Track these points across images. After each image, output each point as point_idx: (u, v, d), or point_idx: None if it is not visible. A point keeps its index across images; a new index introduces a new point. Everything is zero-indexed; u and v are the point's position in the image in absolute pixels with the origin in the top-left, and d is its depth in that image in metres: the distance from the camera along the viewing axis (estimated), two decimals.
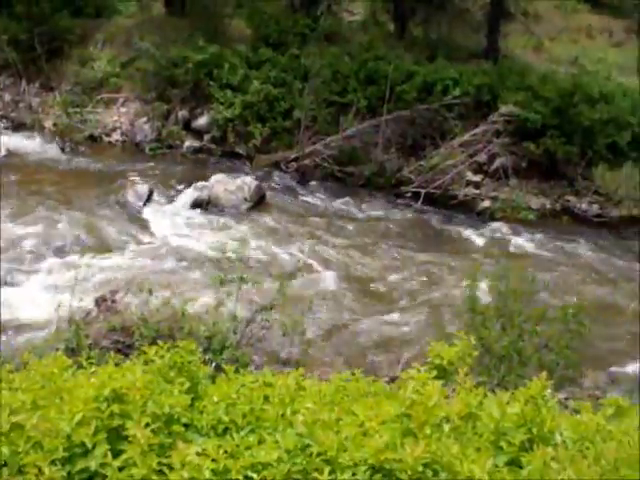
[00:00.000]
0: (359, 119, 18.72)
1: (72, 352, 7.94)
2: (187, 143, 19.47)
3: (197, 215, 16.19)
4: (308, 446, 3.08)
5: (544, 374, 3.86)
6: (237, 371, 3.90)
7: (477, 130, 18.36)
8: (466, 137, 18.31)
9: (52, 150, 18.91)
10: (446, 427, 3.22)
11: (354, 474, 2.94)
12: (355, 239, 15.88)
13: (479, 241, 16.64)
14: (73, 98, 20.08)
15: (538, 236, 17.11)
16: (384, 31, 22.59)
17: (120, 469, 2.92)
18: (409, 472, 2.89)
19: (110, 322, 9.20)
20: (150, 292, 9.44)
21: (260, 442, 3.15)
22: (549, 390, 3.85)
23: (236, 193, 16.59)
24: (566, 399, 10.03)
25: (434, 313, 13.03)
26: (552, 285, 14.56)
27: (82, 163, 18.44)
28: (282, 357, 10.68)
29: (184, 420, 3.25)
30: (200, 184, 16.93)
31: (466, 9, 23.08)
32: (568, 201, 18.51)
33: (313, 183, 18.34)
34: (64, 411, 3.10)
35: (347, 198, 17.79)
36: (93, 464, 2.93)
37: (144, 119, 19.78)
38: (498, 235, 17.04)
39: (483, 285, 9.79)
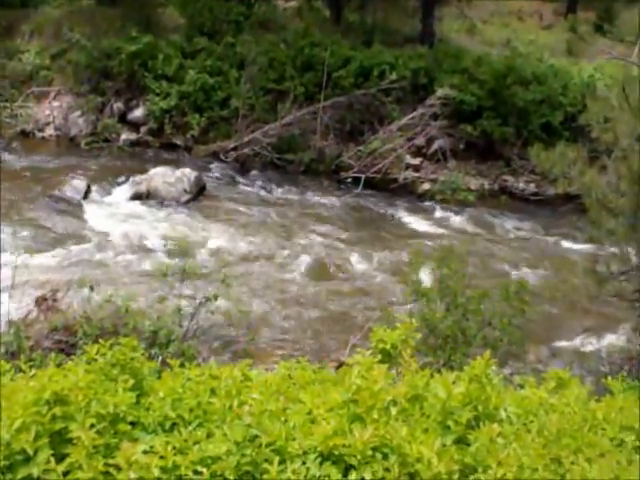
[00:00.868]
0: (297, 106, 18.68)
1: (12, 356, 7.73)
2: (124, 136, 19.11)
3: (137, 208, 15.93)
4: (257, 437, 3.07)
5: (488, 352, 3.92)
6: (183, 365, 3.85)
7: (415, 114, 18.53)
8: (404, 121, 18.46)
9: None
10: (393, 410, 3.25)
11: (304, 462, 2.95)
12: (297, 226, 15.87)
13: (420, 223, 16.84)
14: (1, 92, 19.46)
15: (478, 216, 17.41)
16: (320, 17, 22.56)
17: (65, 474, 2.85)
18: (358, 457, 2.91)
19: (52, 322, 8.98)
20: (92, 289, 9.27)
21: (208, 436, 3.13)
22: (494, 367, 3.91)
23: (175, 185, 16.39)
24: (511, 374, 10.25)
25: (379, 296, 13.14)
26: (493, 264, 14.90)
27: (15, 160, 17.91)
28: (229, 348, 10.64)
29: (130, 418, 3.20)
30: (139, 177, 16.67)
31: None
32: (506, 181, 18.87)
33: (253, 172, 18.26)
34: (2, 418, 3.01)
35: (287, 186, 17.78)
36: (35, 471, 2.85)
37: (78, 113, 19.32)
38: (439, 217, 17.28)
39: (426, 267, 9.89)
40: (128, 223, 15.24)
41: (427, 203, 17.83)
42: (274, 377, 3.77)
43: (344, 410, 3.18)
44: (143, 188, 16.29)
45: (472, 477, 3.00)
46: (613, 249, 9.85)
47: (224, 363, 4.29)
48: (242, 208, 16.46)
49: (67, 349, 8.31)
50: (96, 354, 3.58)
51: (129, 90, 19.59)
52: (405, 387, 3.48)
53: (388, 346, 3.95)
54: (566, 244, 16.09)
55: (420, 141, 18.61)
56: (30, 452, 2.89)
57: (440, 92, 18.47)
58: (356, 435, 2.94)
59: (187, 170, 16.86)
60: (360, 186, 17.61)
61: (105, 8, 21.55)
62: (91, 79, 19.42)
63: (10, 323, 8.71)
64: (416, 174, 18.50)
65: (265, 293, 12.89)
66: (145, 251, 13.92)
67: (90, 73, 19.39)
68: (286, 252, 14.57)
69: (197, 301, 9.58)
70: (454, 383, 3.60)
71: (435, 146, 18.77)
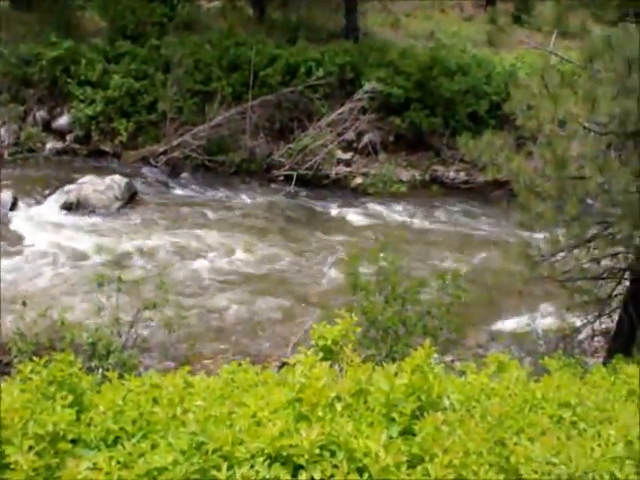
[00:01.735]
0: (225, 107, 18.53)
1: None
2: (49, 145, 18.59)
3: (67, 218, 15.55)
4: (203, 444, 3.04)
5: (428, 341, 3.97)
6: (122, 376, 3.77)
7: (343, 109, 18.61)
8: (333, 116, 18.53)
9: None
10: (338, 406, 3.26)
11: (252, 466, 2.93)
12: (231, 227, 15.77)
13: (355, 217, 16.95)
14: None
15: (411, 207, 17.63)
16: (243, 16, 22.40)
17: None
18: (306, 456, 2.91)
19: None
20: (24, 304, 9.01)
21: (153, 447, 3.08)
22: (435, 355, 3.97)
23: (106, 192, 16.07)
24: (452, 361, 10.45)
25: (319, 293, 13.18)
26: (430, 253, 15.12)
27: None
28: (170, 354, 10.51)
29: (71, 436, 3.12)
30: (68, 187, 16.26)
31: None
32: (436, 171, 19.16)
33: (184, 175, 18.04)
34: None
35: (220, 187, 17.63)
36: None
37: None
38: (372, 210, 17.42)
39: (363, 260, 9.96)
40: (59, 234, 14.86)
41: (360, 197, 17.95)
42: (217, 382, 3.74)
43: (289, 410, 3.18)
44: (73, 197, 15.91)
45: (420, 467, 3.04)
46: (543, 232, 10.10)
47: (166, 370, 4.23)
48: (175, 212, 16.26)
49: (1, 368, 8.06)
50: (31, 372, 3.47)
51: (52, 97, 19.06)
52: (348, 382, 3.49)
53: (329, 342, 3.95)
54: (498, 229, 16.44)
55: (350, 136, 18.71)
56: None
57: (367, 86, 18.61)
58: (303, 434, 2.94)
59: (117, 177, 16.55)
60: (292, 184, 17.61)
61: (21, 12, 20.86)
62: (10, 87, 18.81)
63: None
64: (348, 169, 18.61)
65: (204, 296, 12.78)
66: (78, 262, 13.60)
67: (9, 81, 18.77)
68: (222, 254, 14.47)
69: (135, 309, 9.42)
70: (396, 375, 3.63)
71: (365, 140, 18.90)
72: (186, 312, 11.56)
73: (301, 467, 2.93)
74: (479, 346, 11.92)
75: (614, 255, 9.87)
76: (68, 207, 15.77)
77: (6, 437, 2.95)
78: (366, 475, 2.94)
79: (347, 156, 18.86)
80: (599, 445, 3.60)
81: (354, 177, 18.50)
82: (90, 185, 16.18)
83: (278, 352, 11.29)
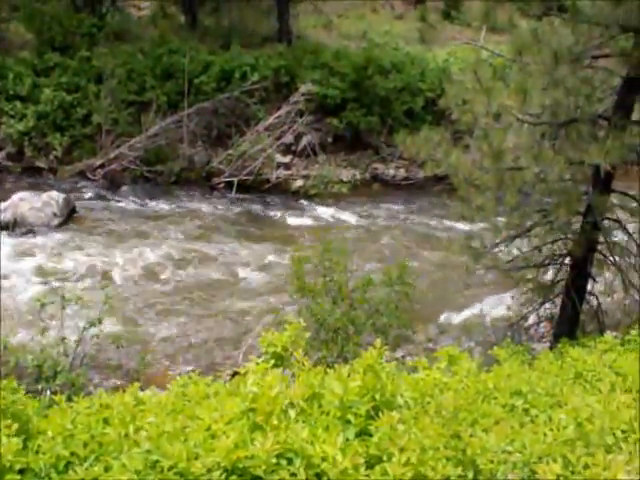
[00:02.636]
0: (161, 116, 18.29)
1: None
2: None
3: (3, 239, 15.10)
4: (157, 462, 2.97)
5: (378, 341, 3.98)
6: (70, 398, 3.67)
7: (280, 112, 18.59)
8: (270, 120, 18.49)
9: None
10: (292, 413, 3.24)
11: None
12: (174, 237, 15.57)
13: (298, 220, 16.94)
14: None
15: (353, 207, 17.72)
16: (175, 23, 22.13)
17: None
18: (263, 466, 2.88)
19: None
20: None
21: (107, 469, 3.00)
22: (387, 352, 3.97)
23: (43, 210, 15.67)
24: (403, 357, 10.53)
25: (266, 298, 13.12)
26: (375, 251, 15.21)
27: None
28: (120, 370, 10.32)
29: (18, 466, 3.00)
30: (2, 205, 15.79)
31: None
32: (376, 169, 19.31)
33: (124, 188, 17.73)
34: None
35: (160, 198, 17.39)
36: None
37: None
38: (315, 211, 17.44)
39: (308, 263, 9.95)
40: None
41: (302, 200, 17.96)
42: (168, 397, 3.67)
43: (243, 421, 3.14)
44: (9, 216, 15.45)
45: (378, 467, 3.04)
46: (484, 224, 10.27)
47: (117, 387, 4.13)
48: (116, 225, 15.97)
49: None
50: None
51: None
52: (301, 388, 3.47)
53: (279, 349, 3.92)
54: (441, 223, 16.65)
55: (288, 139, 18.70)
56: None
57: (303, 88, 18.64)
58: (258, 445, 2.90)
59: (54, 193, 16.15)
60: (234, 190, 17.51)
61: None
62: None
63: None
64: (288, 172, 18.60)
65: (151, 309, 12.59)
66: (18, 282, 13.22)
67: None
68: (166, 265, 14.27)
69: (81, 327, 9.20)
70: (349, 376, 3.63)
71: (304, 142, 18.92)
72: (134, 326, 11.38)
73: (259, 478, 2.90)
74: (429, 340, 12.04)
75: (554, 242, 10.09)
76: (4, 227, 15.31)
77: None
78: None
79: (286, 159, 18.85)
80: (551, 430, 3.67)
81: (295, 180, 18.50)
82: (26, 202, 15.74)
83: (229, 361, 11.21)
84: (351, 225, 16.74)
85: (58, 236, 15.22)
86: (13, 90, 18.13)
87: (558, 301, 10.26)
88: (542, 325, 11.59)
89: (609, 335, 7.36)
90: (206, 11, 22.77)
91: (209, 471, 2.89)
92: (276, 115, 18.53)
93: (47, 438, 3.19)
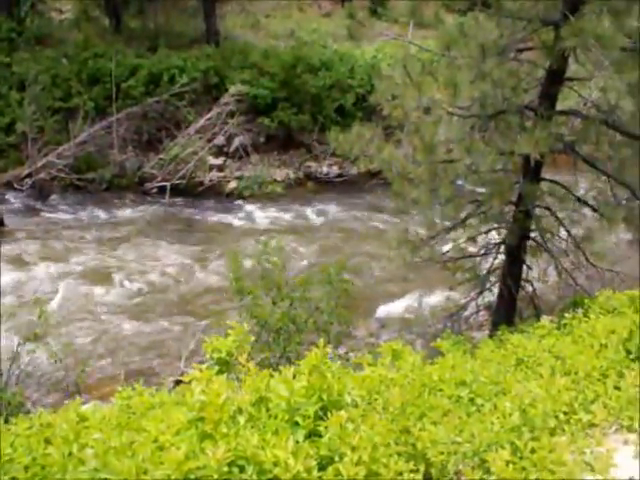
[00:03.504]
0: (89, 122, 17.90)
1: None
2: None
3: None
4: None
5: (322, 341, 3.96)
6: (8, 420, 3.53)
7: (211, 114, 18.45)
8: (201, 123, 18.33)
9: None
10: (241, 419, 3.19)
11: None
12: (109, 245, 15.25)
13: (233, 222, 16.83)
14: None
15: (288, 206, 17.71)
16: (99, 27, 21.65)
17: None
18: (215, 476, 2.82)
19: None
20: None
21: None
22: (329, 349, 3.95)
23: None
24: (346, 353, 10.55)
25: (204, 302, 12.98)
26: (313, 249, 15.23)
27: None
28: (60, 386, 10.03)
29: None
30: None
31: None
32: (309, 167, 19.35)
33: (53, 197, 17.27)
34: None
35: (92, 206, 17.02)
36: None
37: None
38: (250, 213, 17.37)
39: (247, 264, 9.87)
40: None
41: (237, 201, 17.86)
42: (112, 411, 3.57)
43: (192, 430, 3.07)
44: None
45: (330, 468, 3.02)
46: (420, 217, 10.37)
47: (57, 404, 3.99)
48: (46, 236, 15.53)
49: None
50: None
51: None
52: (248, 392, 3.42)
53: (224, 354, 3.87)
54: (377, 218, 16.78)
55: (220, 141, 18.58)
56: None
57: (233, 89, 18.54)
58: (209, 454, 2.85)
59: None
60: (167, 195, 17.27)
61: None
62: None
63: None
64: (221, 174, 18.47)
65: (87, 321, 12.29)
66: None
67: None
68: (101, 275, 13.96)
69: (15, 344, 8.90)
70: (295, 378, 3.60)
71: (236, 143, 18.82)
72: (71, 339, 11.09)
73: None
74: (370, 335, 12.12)
75: (488, 231, 10.27)
76: None
77: None
78: None
79: (219, 161, 18.72)
80: (497, 418, 3.73)
81: (228, 182, 18.39)
82: None
83: (171, 368, 11.04)
84: (287, 224, 16.72)
85: None
86: None
87: (495, 289, 10.43)
88: (480, 314, 11.77)
89: (545, 320, 7.53)
90: (131, 13, 22.38)
91: None
92: (207, 117, 18.37)
93: None
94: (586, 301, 7.11)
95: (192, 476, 2.81)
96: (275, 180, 18.58)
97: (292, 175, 19.05)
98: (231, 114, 18.54)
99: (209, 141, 18.30)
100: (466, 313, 11.45)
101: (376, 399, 3.76)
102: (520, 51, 8.66)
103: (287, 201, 17.92)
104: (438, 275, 12.56)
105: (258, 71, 19.23)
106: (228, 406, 3.15)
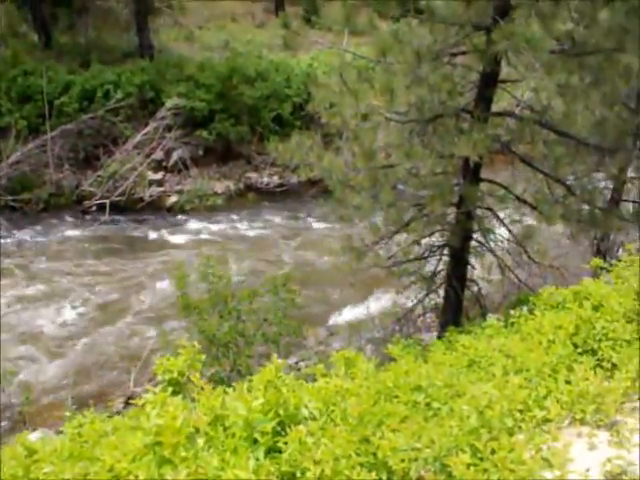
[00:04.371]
0: (22, 142, 17.43)
1: None
2: None
3: None
4: None
5: (275, 355, 3.92)
6: None
7: (148, 129, 18.20)
8: (139, 138, 18.07)
9: None
10: (200, 441, 3.12)
11: None
12: (47, 267, 14.86)
13: (176, 237, 16.60)
14: None
15: (231, 218, 17.59)
16: (28, 43, 21.11)
17: None
18: None
19: None
20: None
21: None
22: (279, 360, 3.90)
23: None
24: (296, 363, 10.52)
25: (150, 319, 12.77)
26: (257, 261, 15.14)
27: None
28: (4, 415, 9.71)
29: None
30: None
31: (110, 9, 22.49)
32: (250, 178, 19.25)
33: None
34: None
35: (29, 227, 16.56)
36: None
37: None
38: (193, 227, 17.17)
39: (192, 279, 9.74)
40: None
41: (178, 216, 17.65)
42: (63, 441, 3.44)
43: (149, 456, 2.98)
44: None
45: None
46: (363, 223, 10.41)
47: (2, 435, 3.83)
48: None
49: None
50: None
51: None
52: (203, 412, 3.35)
53: (175, 375, 3.78)
54: (320, 226, 16.80)
55: (159, 155, 18.35)
56: None
57: (169, 103, 18.35)
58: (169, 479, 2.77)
59: None
60: (107, 212, 16.95)
61: None
62: None
63: None
64: (161, 189, 18.22)
65: (29, 345, 11.95)
66: None
67: None
68: (42, 296, 13.60)
69: None
70: (250, 392, 3.55)
71: (175, 157, 18.61)
72: (14, 365, 10.76)
73: None
74: (320, 343, 12.11)
75: (432, 234, 10.38)
76: None
77: None
78: None
79: (158, 176, 18.47)
80: (455, 421, 3.74)
81: (169, 196, 18.16)
82: None
83: (120, 389, 10.82)
84: (230, 236, 16.61)
85: None
86: None
87: (441, 291, 10.54)
88: (428, 315, 11.90)
89: (492, 318, 7.63)
90: (60, 29, 21.90)
91: None
92: (144, 132, 18.12)
93: None
94: (531, 298, 7.21)
95: None
96: (216, 192, 18.43)
97: (233, 187, 18.93)
98: (169, 128, 18.34)
99: (147, 156, 18.05)
100: (414, 316, 11.54)
101: (333, 410, 3.72)
102: (454, 55, 8.79)
103: (229, 213, 17.80)
104: (385, 280, 12.66)
105: (194, 83, 19.08)
106: (185, 429, 3.07)
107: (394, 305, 11.97)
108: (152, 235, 16.72)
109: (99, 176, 17.55)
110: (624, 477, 3.69)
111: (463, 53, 8.80)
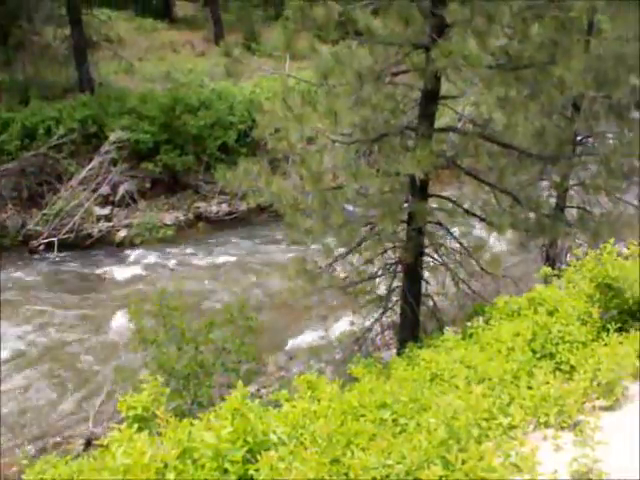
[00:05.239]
0: None
1: None
2: None
3: None
4: None
5: (240, 383, 3.89)
6: None
7: (93, 164, 17.98)
8: (84, 173, 17.82)
9: None
10: (170, 476, 3.07)
11: None
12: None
13: (127, 272, 16.31)
14: None
15: (182, 248, 17.43)
16: None
17: None
18: None
19: None
20: None
21: None
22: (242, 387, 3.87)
23: None
24: (258, 390, 10.44)
25: (107, 356, 12.53)
26: (212, 290, 15.02)
27: None
28: None
29: None
30: None
31: (47, 44, 22.20)
32: (199, 208, 19.13)
33: None
34: None
35: None
36: None
37: None
38: (144, 260, 16.92)
39: (146, 313, 9.59)
40: None
41: (128, 250, 17.37)
42: None
43: None
44: None
45: None
46: (315, 245, 10.43)
47: None
48: None
49: None
50: None
51: None
52: (171, 446, 3.30)
53: (139, 410, 3.72)
54: (272, 251, 16.76)
55: (105, 190, 18.13)
56: None
57: (113, 136, 18.18)
58: None
59: None
60: (55, 251, 16.63)
61: None
62: None
63: None
64: (110, 224, 17.98)
65: None
66: None
67: None
68: None
69: None
70: (217, 420, 3.51)
71: (121, 191, 18.41)
72: None
73: None
74: (280, 369, 12.06)
75: (384, 252, 10.45)
76: None
77: None
78: None
79: (106, 211, 18.23)
80: (423, 435, 3.76)
81: (118, 231, 17.92)
82: None
83: (79, 430, 10.56)
84: (183, 267, 16.44)
85: None
86: None
87: (397, 308, 10.60)
88: (386, 333, 11.95)
89: (449, 331, 7.71)
90: None
91: None
92: (89, 167, 17.90)
93: None
94: (486, 308, 7.32)
95: None
96: (165, 224, 18.26)
97: (182, 217, 18.80)
98: (114, 162, 18.15)
99: (94, 191, 17.81)
100: (372, 334, 11.57)
101: (302, 433, 3.72)
102: (395, 75, 8.93)
103: (180, 244, 17.64)
104: (341, 301, 12.68)
105: (137, 116, 18.95)
106: (153, 464, 3.02)
107: (351, 325, 11.98)
108: (103, 271, 16.42)
109: (45, 214, 17.23)
110: (590, 475, 3.75)
111: (404, 72, 8.95)
